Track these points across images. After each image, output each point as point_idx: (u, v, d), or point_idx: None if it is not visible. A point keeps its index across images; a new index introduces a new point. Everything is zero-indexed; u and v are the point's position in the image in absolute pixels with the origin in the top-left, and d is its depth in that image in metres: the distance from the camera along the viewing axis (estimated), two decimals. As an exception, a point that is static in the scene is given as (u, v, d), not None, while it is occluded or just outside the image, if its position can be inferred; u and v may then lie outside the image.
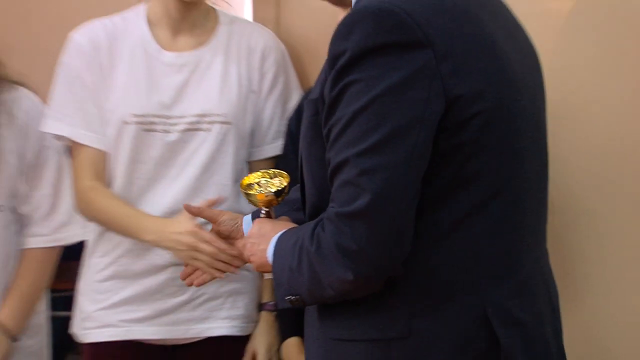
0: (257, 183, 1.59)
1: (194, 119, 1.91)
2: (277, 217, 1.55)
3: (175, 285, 1.87)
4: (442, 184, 1.28)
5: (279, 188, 1.55)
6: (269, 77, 2.00)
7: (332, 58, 1.29)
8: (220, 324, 1.97)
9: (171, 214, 1.92)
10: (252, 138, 1.98)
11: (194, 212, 1.77)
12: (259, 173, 1.63)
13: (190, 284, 1.80)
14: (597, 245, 1.78)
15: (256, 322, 2.02)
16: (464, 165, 1.30)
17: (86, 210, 1.96)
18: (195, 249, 1.77)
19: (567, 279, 1.75)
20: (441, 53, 1.24)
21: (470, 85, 1.28)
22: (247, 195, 1.57)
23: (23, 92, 2.04)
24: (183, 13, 1.92)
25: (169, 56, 1.92)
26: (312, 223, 1.31)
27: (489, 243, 1.36)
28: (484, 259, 1.36)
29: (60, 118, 1.97)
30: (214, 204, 1.80)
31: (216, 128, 1.90)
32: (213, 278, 1.80)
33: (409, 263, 1.27)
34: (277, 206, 1.56)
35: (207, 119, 1.92)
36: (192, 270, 1.79)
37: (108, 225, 1.94)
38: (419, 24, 1.26)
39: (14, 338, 1.98)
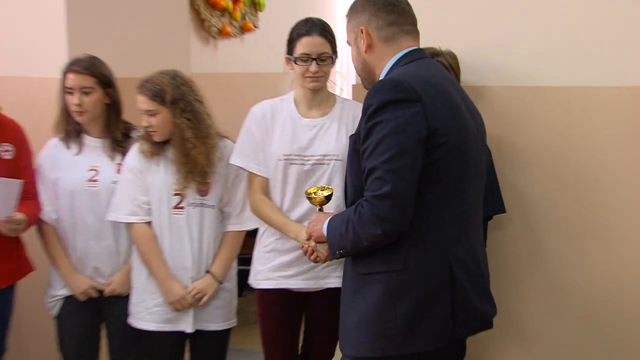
0: (314, 192, 2.44)
1: (319, 157, 2.70)
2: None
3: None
4: (421, 183, 1.96)
5: (328, 194, 2.41)
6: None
7: (365, 108, 2.02)
8: (335, 280, 2.71)
9: (307, 215, 2.65)
10: None
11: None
12: (315, 187, 2.50)
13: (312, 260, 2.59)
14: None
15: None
16: (435, 173, 2.00)
17: (258, 214, 2.79)
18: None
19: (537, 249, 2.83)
20: (426, 105, 1.96)
21: (441, 124, 1.98)
22: (309, 198, 2.42)
23: (227, 141, 2.94)
24: (313, 96, 2.76)
25: (305, 121, 2.74)
26: (353, 206, 2.03)
27: (451, 222, 2.07)
28: (448, 231, 2.08)
29: (241, 156, 2.79)
30: None
31: (332, 163, 2.70)
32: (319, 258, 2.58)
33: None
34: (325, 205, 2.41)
35: (327, 158, 2.71)
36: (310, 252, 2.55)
37: (269, 223, 2.75)
38: (414, 89, 1.97)
39: (220, 282, 2.87)
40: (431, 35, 2.67)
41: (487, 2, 2.94)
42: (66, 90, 2.89)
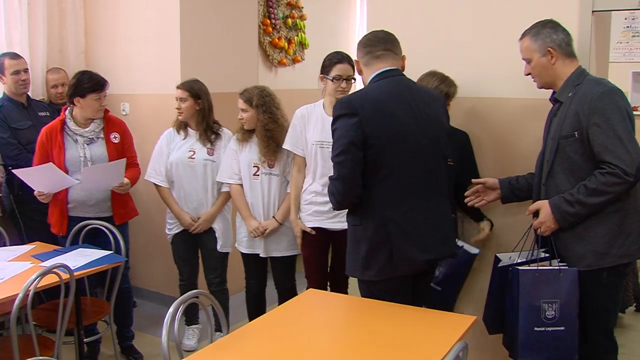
0: None
1: None
2: None
3: None
4: (365, 170, 2.61)
5: None
6: None
7: (332, 119, 2.66)
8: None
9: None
10: None
11: None
12: None
13: None
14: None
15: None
16: (371, 164, 2.61)
17: (290, 181, 3.62)
18: None
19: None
20: (362, 118, 2.57)
21: (371, 132, 2.57)
22: None
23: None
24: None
25: (329, 118, 3.00)
26: None
27: (387, 194, 2.65)
28: (386, 201, 2.65)
29: (287, 141, 3.55)
30: None
31: None
32: None
33: (361, 198, 2.63)
34: None
35: None
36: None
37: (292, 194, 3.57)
38: (355, 106, 2.60)
39: (280, 223, 3.68)
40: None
41: (461, 44, 3.47)
42: (176, 99, 3.93)
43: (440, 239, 2.72)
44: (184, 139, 3.99)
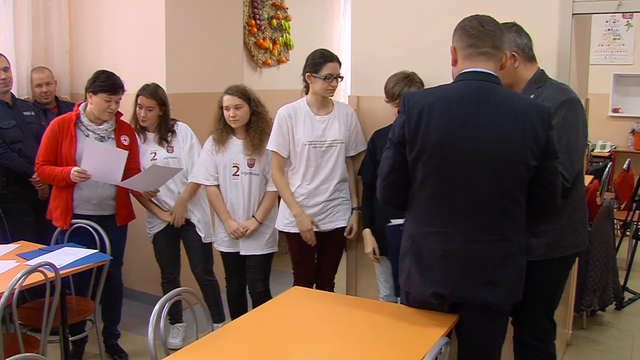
0: None
1: (330, 141, 3.42)
2: None
3: None
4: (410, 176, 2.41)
5: None
6: (353, 124, 3.54)
7: None
8: (342, 221, 3.54)
9: (324, 183, 3.43)
10: (347, 148, 3.51)
11: None
12: None
13: None
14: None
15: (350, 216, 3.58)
16: (412, 171, 2.40)
17: (275, 184, 3.54)
18: None
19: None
20: (409, 117, 2.33)
21: (412, 134, 2.32)
22: None
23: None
24: (322, 101, 3.46)
25: (318, 117, 3.45)
26: None
27: (418, 208, 2.44)
28: (416, 215, 2.45)
29: (273, 142, 3.48)
30: None
31: (338, 144, 3.44)
32: None
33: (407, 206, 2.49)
34: None
35: (335, 142, 3.44)
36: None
37: (280, 194, 3.54)
38: (408, 104, 2.35)
39: (260, 223, 3.70)
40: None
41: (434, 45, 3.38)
42: (138, 106, 4.04)
43: (471, 278, 2.35)
44: (143, 142, 4.10)
